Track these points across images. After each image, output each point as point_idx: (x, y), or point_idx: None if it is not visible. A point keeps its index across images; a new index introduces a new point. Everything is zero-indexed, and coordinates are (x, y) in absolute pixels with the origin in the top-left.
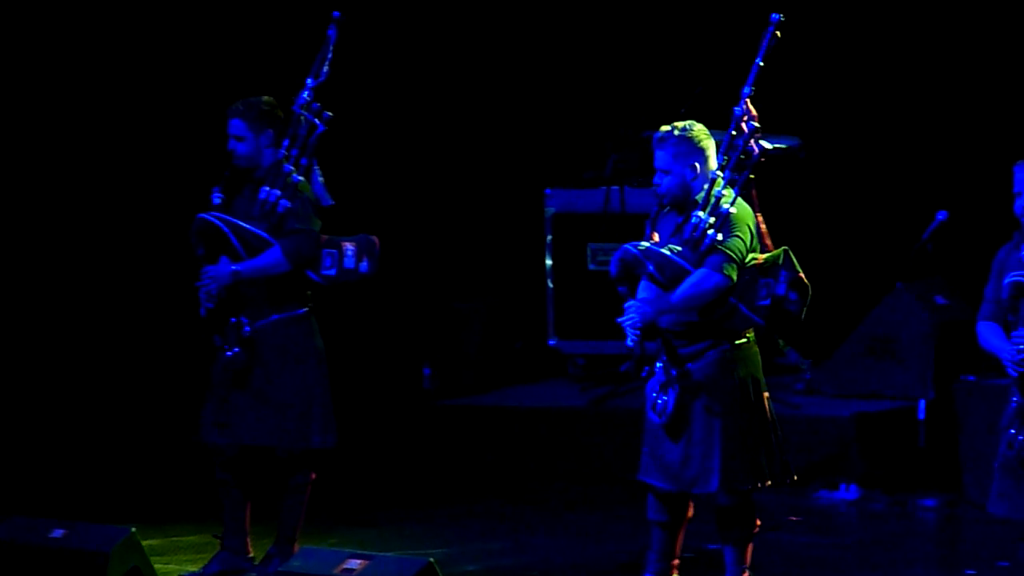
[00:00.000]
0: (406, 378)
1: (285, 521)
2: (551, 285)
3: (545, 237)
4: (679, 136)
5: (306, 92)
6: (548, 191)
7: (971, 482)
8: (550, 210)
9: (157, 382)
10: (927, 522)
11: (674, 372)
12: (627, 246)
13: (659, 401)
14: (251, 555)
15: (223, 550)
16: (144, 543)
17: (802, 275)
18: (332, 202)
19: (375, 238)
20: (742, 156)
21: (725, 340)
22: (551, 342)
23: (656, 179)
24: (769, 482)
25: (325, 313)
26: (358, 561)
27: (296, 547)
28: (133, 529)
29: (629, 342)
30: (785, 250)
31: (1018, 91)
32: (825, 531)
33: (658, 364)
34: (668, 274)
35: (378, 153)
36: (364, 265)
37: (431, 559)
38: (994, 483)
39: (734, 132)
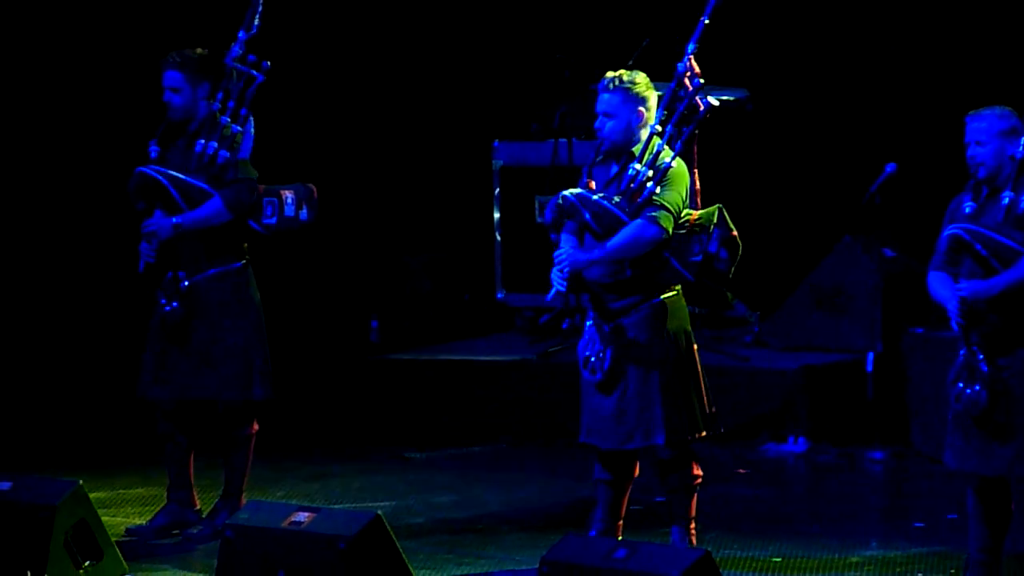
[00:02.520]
0: (353, 331)
1: (231, 474)
2: (499, 238)
3: (493, 190)
4: (628, 81)
5: (238, 45)
6: (496, 144)
7: (919, 434)
8: (498, 163)
9: (103, 335)
10: (875, 474)
11: (606, 328)
12: (565, 193)
13: (592, 359)
14: (198, 508)
15: (170, 503)
16: (91, 496)
17: (735, 233)
18: (247, 156)
19: (312, 186)
20: (686, 112)
21: (656, 294)
22: (499, 295)
23: (598, 123)
24: (703, 433)
25: (273, 265)
26: (306, 514)
27: (243, 500)
28: (80, 482)
29: (556, 287)
30: (719, 207)
31: (966, 43)
32: (773, 483)
33: (587, 322)
34: (604, 224)
35: (328, 106)
36: (304, 213)
37: (379, 512)
38: (946, 435)
39: (675, 88)
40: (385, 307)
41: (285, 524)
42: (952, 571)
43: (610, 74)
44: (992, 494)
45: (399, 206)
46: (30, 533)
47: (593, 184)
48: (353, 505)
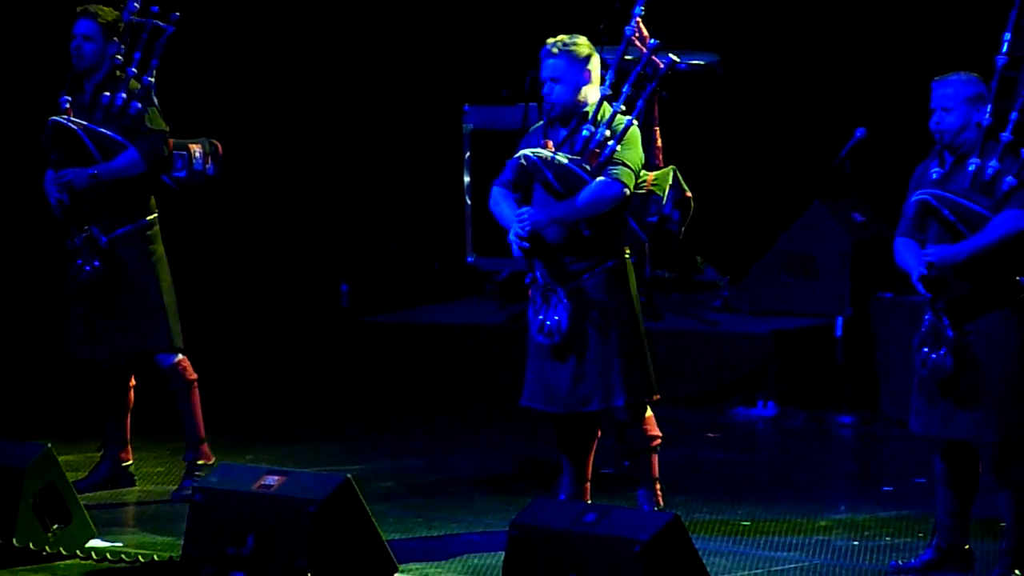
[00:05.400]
0: (324, 295)
1: (186, 426)
2: (469, 202)
3: (463, 154)
4: (571, 44)
5: (134, 1)
6: (466, 108)
7: (887, 399)
8: (468, 127)
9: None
10: (844, 439)
11: (562, 291)
12: (527, 153)
13: (548, 323)
14: (130, 461)
15: (107, 458)
16: (60, 459)
17: (689, 194)
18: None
19: (217, 142)
20: (642, 71)
21: (612, 256)
22: (469, 259)
23: (546, 89)
24: (657, 396)
25: (245, 229)
26: (276, 477)
27: (206, 447)
28: (49, 445)
29: (516, 246)
30: (673, 168)
31: (936, 7)
32: (742, 448)
33: (543, 284)
34: (567, 183)
35: (299, 70)
36: (211, 168)
37: (348, 476)
38: (912, 400)
39: (624, 50)
40: (356, 271)
41: (255, 487)
42: (920, 535)
43: (551, 40)
44: (958, 459)
45: (369, 171)
46: None
47: (551, 145)
48: (323, 469)
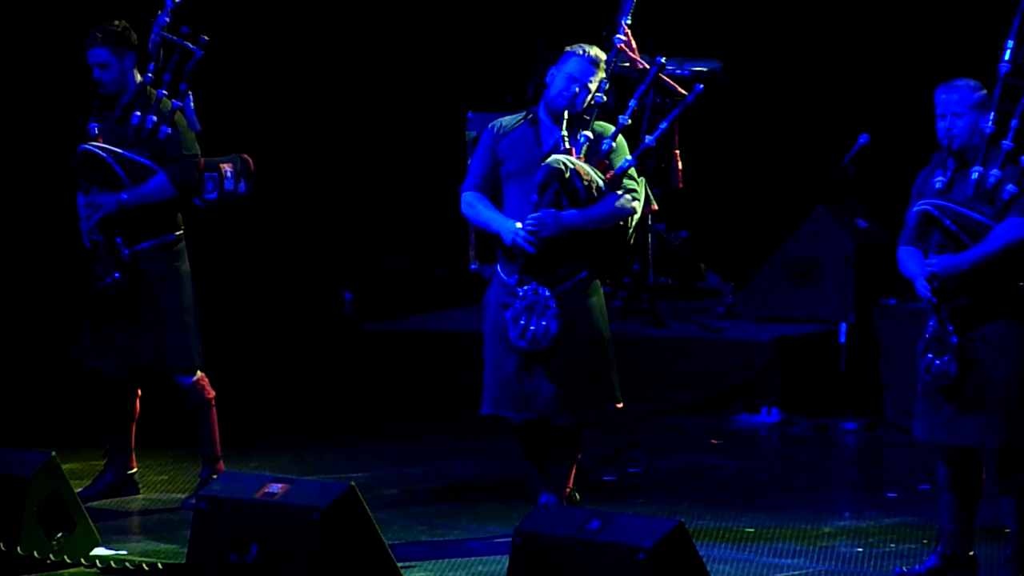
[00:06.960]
0: (327, 302)
1: (202, 443)
2: None
3: (467, 161)
4: (598, 52)
5: (164, 13)
6: (470, 114)
7: (891, 405)
8: (471, 134)
9: (73, 307)
10: (847, 445)
11: (547, 292)
12: (564, 160)
13: (533, 328)
14: (135, 469)
15: (112, 466)
16: (64, 467)
17: (655, 207)
18: (200, 129)
19: (248, 158)
20: (648, 88)
21: (592, 261)
22: (472, 266)
23: (575, 88)
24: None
25: (249, 235)
26: (279, 485)
27: (222, 464)
28: (53, 453)
29: (527, 246)
30: (642, 179)
31: (940, 14)
32: (746, 455)
33: (519, 289)
34: (591, 194)
35: (303, 77)
36: (242, 186)
37: (352, 483)
38: (916, 407)
39: (614, 59)
40: (359, 278)
41: (258, 495)
42: (924, 541)
43: (588, 46)
44: (962, 465)
45: (373, 177)
46: (3, 504)
47: (574, 151)
48: (327, 476)
